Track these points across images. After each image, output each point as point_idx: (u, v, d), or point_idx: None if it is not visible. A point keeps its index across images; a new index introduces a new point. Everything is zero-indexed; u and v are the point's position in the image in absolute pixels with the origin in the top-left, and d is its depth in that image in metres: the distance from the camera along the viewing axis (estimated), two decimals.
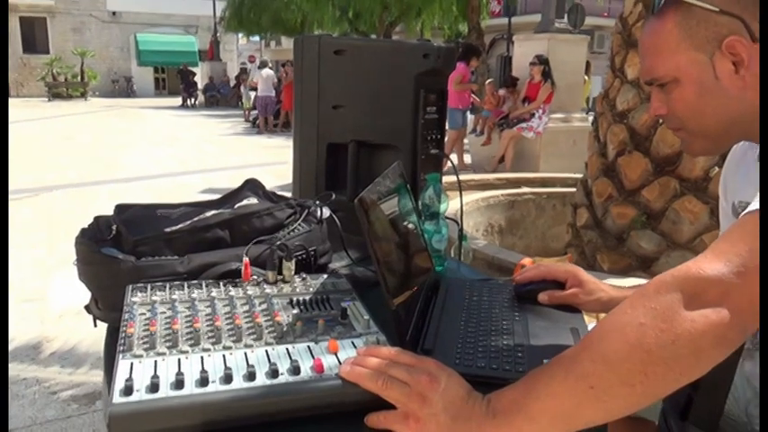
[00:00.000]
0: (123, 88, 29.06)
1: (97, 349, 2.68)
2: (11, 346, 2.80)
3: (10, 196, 6.09)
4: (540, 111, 7.25)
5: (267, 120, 13.18)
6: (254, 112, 14.42)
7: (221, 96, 22.25)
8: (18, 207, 5.65)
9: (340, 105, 1.57)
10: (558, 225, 4.42)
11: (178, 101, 23.12)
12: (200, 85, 23.29)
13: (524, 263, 2.02)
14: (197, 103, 22.45)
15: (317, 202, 1.30)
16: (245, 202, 1.28)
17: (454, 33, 21.29)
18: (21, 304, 3.33)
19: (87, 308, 1.07)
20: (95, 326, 1.04)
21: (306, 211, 1.26)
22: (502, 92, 8.25)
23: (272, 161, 8.93)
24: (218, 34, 24.07)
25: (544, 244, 4.47)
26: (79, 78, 25.42)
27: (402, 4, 15.77)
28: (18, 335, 2.93)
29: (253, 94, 14.15)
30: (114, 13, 29.04)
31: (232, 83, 23.36)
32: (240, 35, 32.67)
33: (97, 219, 1.19)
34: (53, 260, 4.04)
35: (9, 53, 27.26)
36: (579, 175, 3.96)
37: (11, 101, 24.08)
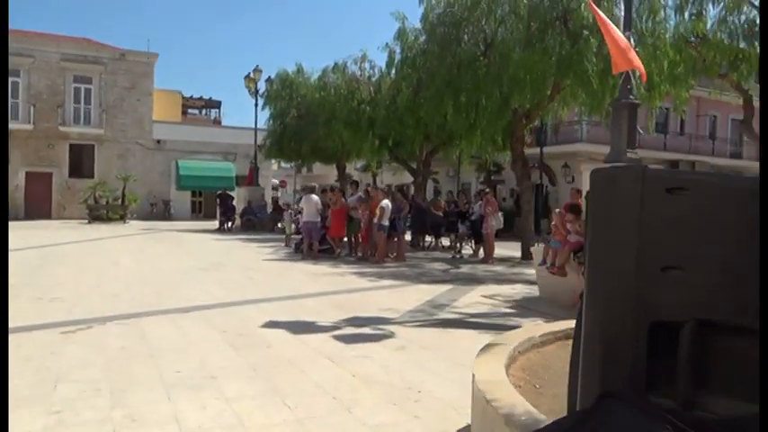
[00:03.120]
0: (161, 211, 29.62)
1: None
2: None
3: (63, 328, 5.62)
4: None
5: (312, 245, 12.88)
6: (296, 237, 14.20)
7: (258, 221, 22.35)
8: (69, 341, 5.13)
9: (674, 267, 1.08)
10: None
11: (214, 224, 23.33)
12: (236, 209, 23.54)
13: None
14: (233, 226, 22.55)
15: None
16: None
17: (491, 162, 21.61)
18: None
19: None
20: None
21: None
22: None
23: (326, 290, 8.51)
24: (256, 162, 24.73)
25: None
26: (120, 201, 25.95)
27: (443, 133, 15.99)
28: None
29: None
30: (159, 141, 30.35)
31: (269, 208, 23.62)
32: (273, 161, 33.86)
33: None
34: (119, 414, 3.43)
35: (57, 178, 28.22)
36: None
37: (51, 222, 24.49)
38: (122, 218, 25.56)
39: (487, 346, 3.38)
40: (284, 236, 15.87)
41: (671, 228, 1.07)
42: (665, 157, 24.21)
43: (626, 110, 7.85)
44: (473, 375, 2.83)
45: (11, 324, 5.73)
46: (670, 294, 1.07)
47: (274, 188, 22.98)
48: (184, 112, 41.89)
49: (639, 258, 1.08)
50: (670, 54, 11.13)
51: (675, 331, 1.06)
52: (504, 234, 15.21)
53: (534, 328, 4.17)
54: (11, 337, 5.21)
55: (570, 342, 3.73)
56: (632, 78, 7.75)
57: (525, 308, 7.37)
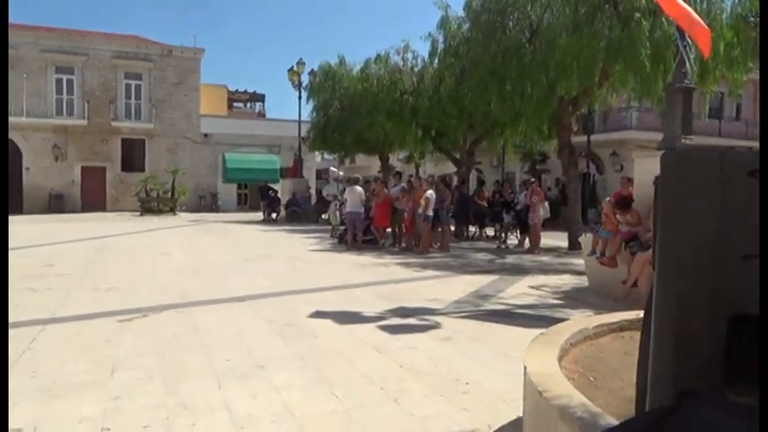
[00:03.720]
0: (208, 203, 30.31)
1: None
2: None
3: (119, 317, 5.80)
4: None
5: (356, 236, 12.93)
6: (342, 228, 14.29)
7: (302, 212, 22.60)
8: (125, 329, 5.29)
9: (755, 255, 1.00)
10: None
11: (259, 215, 23.69)
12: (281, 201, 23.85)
13: None
14: (278, 218, 22.87)
15: None
16: None
17: (536, 151, 21.22)
18: None
19: None
20: None
21: None
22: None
23: (372, 280, 8.53)
24: (300, 153, 24.97)
25: None
26: (170, 194, 26.66)
27: (487, 122, 15.76)
28: None
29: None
30: (206, 135, 31.00)
31: (313, 199, 23.84)
32: (317, 153, 34.17)
33: None
34: (172, 401, 3.51)
35: (110, 172, 29.22)
36: None
37: (106, 215, 25.37)
38: (172, 210, 26.27)
39: (538, 338, 3.30)
40: (330, 227, 15.97)
41: (752, 213, 0.99)
42: (720, 144, 23.28)
43: (681, 94, 7.57)
44: (525, 367, 2.77)
45: (71, 312, 5.97)
46: (751, 285, 0.99)
47: (335, 179, 22.93)
48: (230, 106, 42.65)
49: (717, 247, 1.00)
50: (727, 35, 10.63)
51: (757, 324, 0.98)
52: (550, 224, 14.90)
53: (586, 319, 4.06)
54: (71, 326, 5.42)
55: (625, 334, 3.63)
56: (687, 62, 7.44)
57: (574, 299, 7.21)
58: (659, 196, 1.16)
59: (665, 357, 1.07)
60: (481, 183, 17.32)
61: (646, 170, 7.55)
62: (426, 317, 5.97)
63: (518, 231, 14.33)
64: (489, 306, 6.73)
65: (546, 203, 13.28)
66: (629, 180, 9.01)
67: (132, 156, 29.72)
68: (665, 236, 1.10)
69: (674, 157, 1.11)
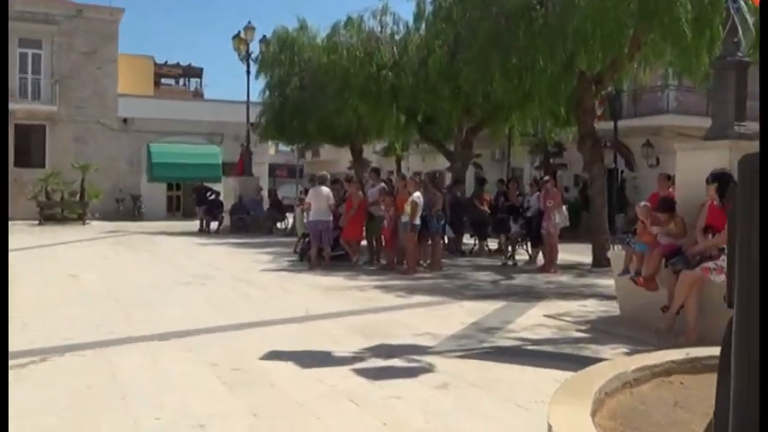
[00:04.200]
0: (129, 209, 29.98)
1: None
2: None
3: (12, 360, 5.62)
4: None
5: (322, 251, 12.86)
6: (305, 241, 14.17)
7: (252, 220, 22.46)
8: (18, 378, 5.13)
9: None
10: None
11: (195, 224, 23.52)
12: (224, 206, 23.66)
13: None
14: (220, 228, 22.71)
15: None
16: None
17: (552, 141, 21.41)
18: None
19: None
20: None
21: None
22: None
23: (344, 309, 8.50)
24: (249, 144, 24.85)
25: None
26: (78, 197, 26.27)
27: (489, 105, 15.85)
28: None
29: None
30: (125, 121, 30.65)
31: (266, 204, 23.73)
32: (270, 143, 34.08)
33: None
34: None
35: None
36: None
37: None
38: (81, 218, 25.90)
39: (564, 385, 3.28)
40: (295, 239, 15.80)
41: None
42: None
43: (732, 70, 7.68)
44: (548, 425, 2.74)
45: None
46: None
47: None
48: (157, 83, 42.32)
49: None
50: None
51: None
52: (569, 234, 15.00)
53: (622, 360, 4.06)
54: None
55: (672, 380, 3.63)
56: (739, 29, 7.55)
57: (603, 332, 7.24)
58: (738, 207, 1.14)
59: (751, 412, 1.06)
60: (481, 182, 17.30)
61: (690, 166, 7.65)
62: (415, 357, 5.92)
63: (528, 244, 14.40)
64: (495, 342, 6.71)
65: (564, 208, 13.35)
66: (668, 178, 9.12)
67: (28, 147, 29.24)
68: (746, 254, 1.08)
69: (754, 158, 1.08)
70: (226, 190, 25.01)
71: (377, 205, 13.08)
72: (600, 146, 14.35)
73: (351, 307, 8.68)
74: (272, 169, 40.19)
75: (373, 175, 15.25)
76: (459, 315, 8.07)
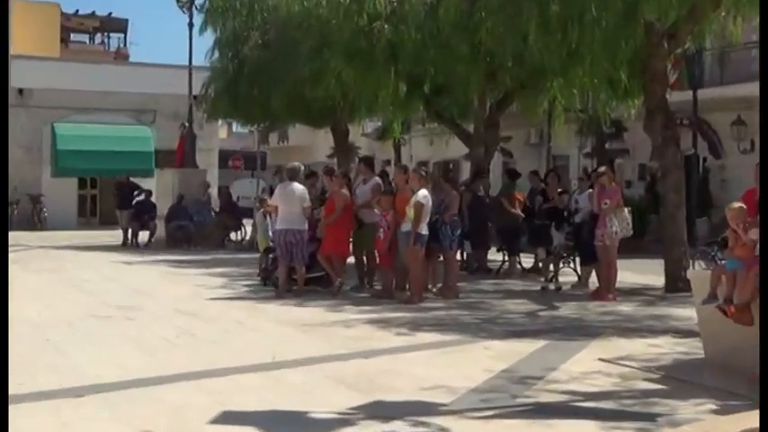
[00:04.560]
0: (26, 214, 29.85)
1: None
2: None
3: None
4: None
5: (293, 272, 12.83)
6: (270, 256, 14.16)
7: (196, 228, 22.44)
8: None
9: None
10: None
11: (118, 235, 23.48)
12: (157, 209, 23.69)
13: None
14: (152, 240, 22.72)
15: None
16: None
17: (608, 118, 21.34)
18: None
19: None
20: None
21: None
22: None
23: (323, 353, 8.55)
24: (192, 125, 24.87)
25: None
26: None
27: (521, 70, 15.81)
28: None
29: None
30: (21, 92, 30.49)
31: (216, 205, 23.73)
32: (220, 122, 34.04)
33: None
34: None
35: None
36: None
37: None
38: None
39: None
40: (256, 255, 15.78)
41: None
42: None
43: None
44: None
45: None
46: None
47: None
48: (65, 41, 42.33)
49: None
50: None
51: None
52: (632, 245, 15.01)
53: (711, 421, 4.05)
54: None
55: None
56: None
57: (682, 381, 7.25)
58: None
59: None
60: (512, 175, 17.20)
61: None
62: (424, 419, 5.90)
63: (577, 261, 14.41)
64: (534, 396, 6.71)
65: (625, 211, 13.32)
66: None
67: None
68: None
69: None
70: (160, 187, 25.09)
71: (368, 208, 13.07)
72: (674, 125, 14.40)
73: (333, 350, 8.68)
74: (224, 158, 40.06)
75: (364, 166, 15.24)
76: (483, 360, 8.08)
